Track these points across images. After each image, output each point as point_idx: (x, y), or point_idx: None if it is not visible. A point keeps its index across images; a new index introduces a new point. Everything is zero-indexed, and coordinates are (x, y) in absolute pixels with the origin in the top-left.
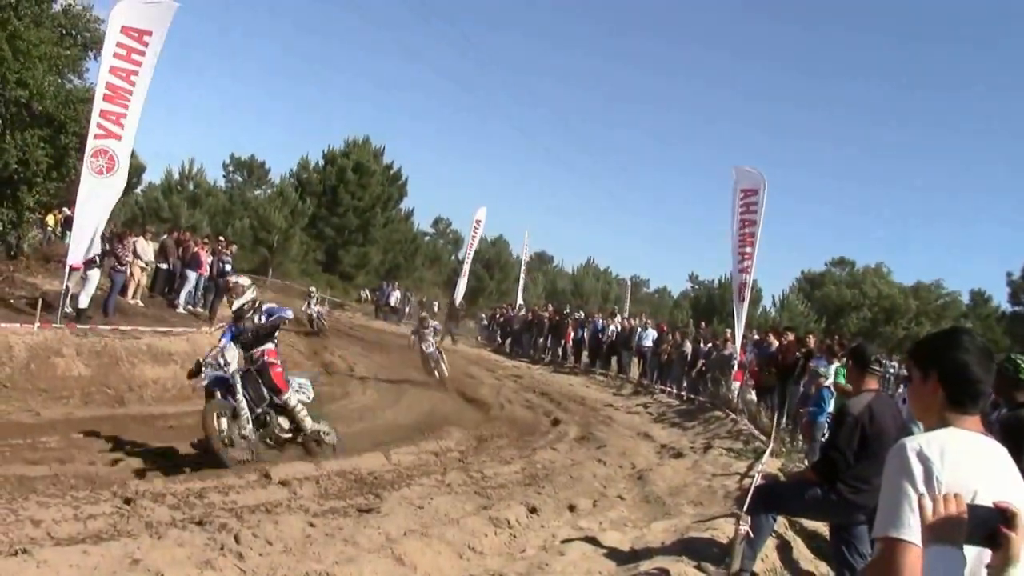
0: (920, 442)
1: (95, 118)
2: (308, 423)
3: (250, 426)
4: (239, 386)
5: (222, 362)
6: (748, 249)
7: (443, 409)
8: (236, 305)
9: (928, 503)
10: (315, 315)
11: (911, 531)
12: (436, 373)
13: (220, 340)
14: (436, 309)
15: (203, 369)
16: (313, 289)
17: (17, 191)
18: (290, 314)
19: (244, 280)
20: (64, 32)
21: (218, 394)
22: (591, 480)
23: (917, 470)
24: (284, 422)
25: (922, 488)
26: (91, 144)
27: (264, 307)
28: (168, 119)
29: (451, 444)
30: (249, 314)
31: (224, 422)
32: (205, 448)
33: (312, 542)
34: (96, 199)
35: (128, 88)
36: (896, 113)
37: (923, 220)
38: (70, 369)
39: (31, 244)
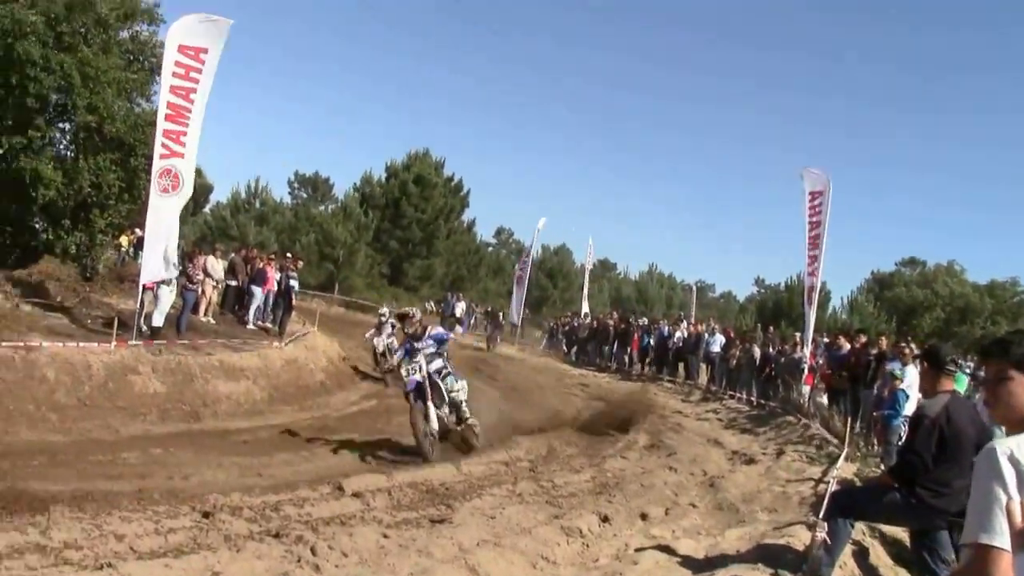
0: (1011, 445)
1: (159, 138)
2: (469, 416)
3: (435, 425)
4: (428, 391)
5: (418, 372)
6: (815, 251)
7: (511, 419)
8: (410, 329)
9: (1019, 508)
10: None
11: (1003, 537)
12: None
13: (399, 354)
14: (502, 318)
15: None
16: (384, 309)
17: (90, 214)
18: (452, 336)
19: (416, 311)
20: (131, 57)
21: (412, 398)
22: (662, 488)
23: (1009, 474)
24: (452, 416)
25: (1014, 493)
26: (157, 164)
27: (434, 331)
28: (234, 139)
29: (520, 454)
30: (422, 335)
31: (424, 423)
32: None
33: (387, 553)
34: (165, 218)
35: (187, 106)
36: (964, 105)
37: (996, 216)
38: (146, 387)
39: (105, 265)
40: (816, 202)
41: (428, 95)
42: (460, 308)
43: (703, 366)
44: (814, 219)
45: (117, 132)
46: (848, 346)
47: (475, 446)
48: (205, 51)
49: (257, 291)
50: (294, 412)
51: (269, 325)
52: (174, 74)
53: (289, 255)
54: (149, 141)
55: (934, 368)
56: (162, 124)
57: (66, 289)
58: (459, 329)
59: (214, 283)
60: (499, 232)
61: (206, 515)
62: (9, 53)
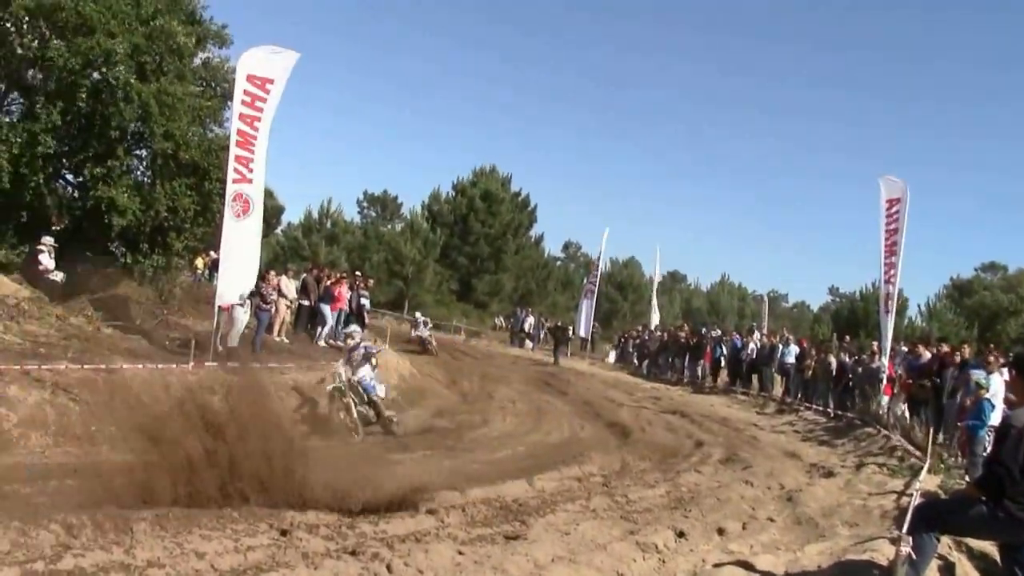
0: None
1: (231, 163)
2: (385, 412)
3: (355, 415)
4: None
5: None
6: (893, 259)
7: (583, 434)
8: (348, 345)
9: None
10: (424, 336)
11: None
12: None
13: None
14: (571, 333)
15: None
16: (419, 314)
17: (167, 237)
18: (375, 349)
19: (355, 329)
20: (205, 84)
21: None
22: (739, 502)
23: None
24: (371, 411)
25: None
26: (230, 189)
27: (363, 345)
28: (305, 160)
29: (593, 469)
30: (354, 351)
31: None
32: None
33: (462, 570)
34: (238, 241)
35: (254, 134)
36: None
37: None
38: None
39: (182, 287)
40: (893, 210)
41: (494, 110)
42: (529, 323)
43: (777, 377)
44: (891, 226)
45: (192, 158)
46: (928, 354)
47: (394, 432)
48: (271, 81)
49: (327, 310)
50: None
51: (341, 344)
52: (243, 103)
53: (359, 274)
54: (222, 165)
55: (1022, 376)
56: (233, 150)
57: (144, 311)
58: (528, 344)
59: (287, 303)
60: (567, 246)
61: (283, 533)
62: (97, 83)
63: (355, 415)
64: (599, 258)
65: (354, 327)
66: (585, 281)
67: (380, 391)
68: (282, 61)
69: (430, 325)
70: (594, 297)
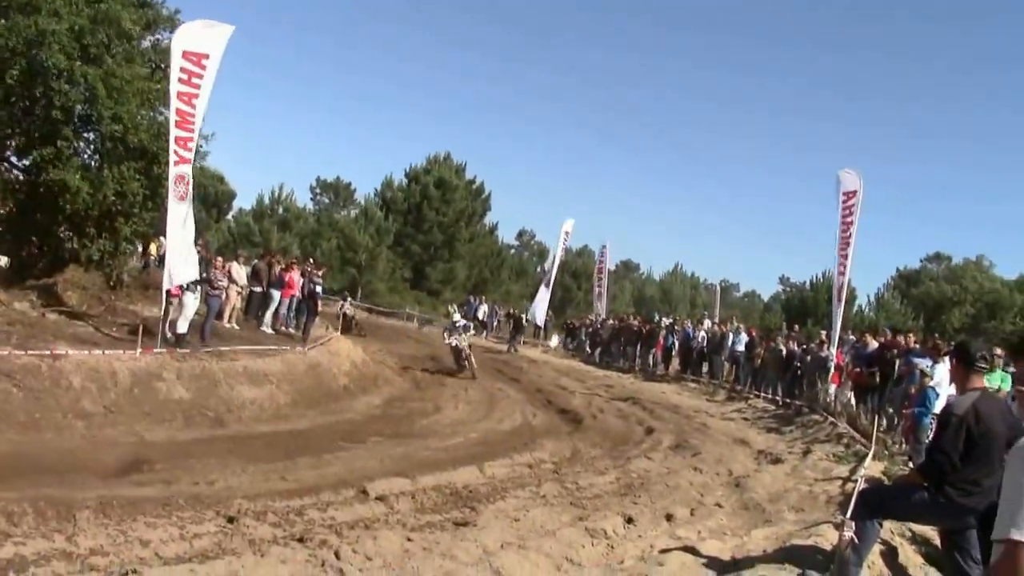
0: None
1: (171, 145)
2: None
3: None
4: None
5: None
6: (846, 250)
7: (535, 421)
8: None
9: None
10: (349, 314)
11: None
12: (466, 365)
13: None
14: (525, 322)
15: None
16: (346, 293)
17: (115, 222)
18: (470, 325)
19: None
20: (154, 66)
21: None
22: (687, 488)
23: None
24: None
25: None
26: (172, 171)
27: (462, 323)
28: (256, 145)
29: (544, 456)
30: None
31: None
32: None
33: (411, 557)
34: (183, 224)
35: (192, 112)
36: (988, 97)
37: None
38: (171, 393)
39: (130, 273)
40: (850, 202)
41: (448, 98)
42: (483, 311)
43: (728, 366)
44: (848, 219)
45: (140, 141)
46: (875, 343)
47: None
48: (207, 57)
49: (277, 295)
50: (317, 416)
51: (292, 331)
52: (180, 80)
53: (312, 261)
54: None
55: (964, 365)
56: (173, 131)
57: (91, 297)
58: (483, 332)
59: (238, 289)
60: (521, 234)
61: (231, 520)
62: (33, 64)
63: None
64: (561, 247)
65: (458, 316)
66: (540, 270)
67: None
68: (216, 34)
69: (350, 300)
70: (550, 286)
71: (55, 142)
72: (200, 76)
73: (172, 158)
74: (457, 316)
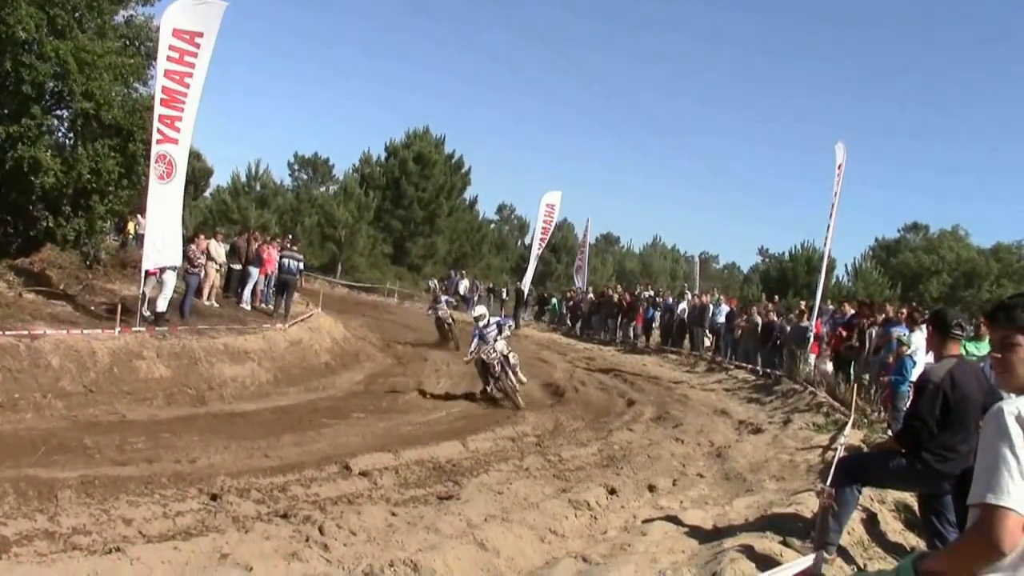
0: (1019, 405)
1: (155, 123)
2: (520, 375)
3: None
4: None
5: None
6: (830, 221)
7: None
8: (481, 322)
9: None
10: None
11: (1011, 497)
12: (450, 338)
13: (475, 343)
14: (505, 296)
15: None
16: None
17: (90, 201)
18: (507, 322)
19: (482, 311)
20: (127, 42)
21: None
22: (669, 459)
23: (1017, 434)
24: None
25: (1022, 453)
26: (154, 150)
27: (493, 321)
28: (233, 121)
29: (527, 429)
30: (482, 324)
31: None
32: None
33: (395, 531)
34: (162, 204)
35: (183, 91)
36: (966, 67)
37: (1001, 179)
38: (151, 371)
39: (107, 252)
40: (838, 175)
41: (425, 71)
42: (464, 286)
43: (708, 337)
44: (835, 190)
45: (115, 118)
46: (853, 313)
47: (519, 405)
48: (200, 35)
49: (255, 272)
50: (299, 393)
51: (270, 307)
52: (169, 58)
53: (291, 237)
54: (147, 126)
55: (940, 333)
56: (158, 109)
57: (68, 277)
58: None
59: (217, 267)
60: (501, 208)
61: (214, 497)
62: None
63: (514, 384)
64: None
65: (481, 308)
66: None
67: (516, 360)
68: (210, 12)
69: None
70: (534, 260)
71: (21, 119)
72: (194, 55)
73: (155, 136)
74: (438, 289)
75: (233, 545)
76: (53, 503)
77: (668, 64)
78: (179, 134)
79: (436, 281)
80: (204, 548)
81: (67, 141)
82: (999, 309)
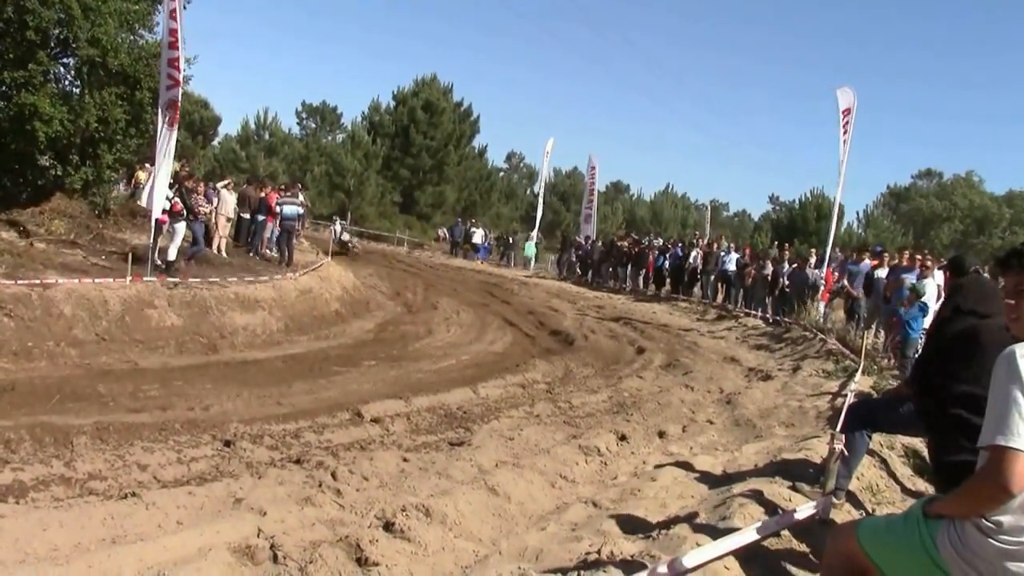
0: None
1: (164, 68)
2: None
3: None
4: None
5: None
6: (841, 167)
7: (527, 342)
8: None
9: None
10: (345, 240)
11: (1021, 439)
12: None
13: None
14: (511, 242)
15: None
16: (337, 219)
17: (98, 149)
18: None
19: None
20: None
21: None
22: (679, 406)
23: None
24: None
25: None
26: (164, 96)
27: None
28: (241, 71)
29: (537, 376)
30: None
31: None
32: None
33: (407, 476)
34: (170, 151)
35: (177, 28)
36: (979, 12)
37: (1014, 126)
38: (163, 320)
39: (116, 201)
40: (846, 120)
41: (434, 18)
42: (479, 235)
43: (718, 285)
44: (845, 136)
45: (121, 65)
46: (865, 260)
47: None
48: None
49: (263, 220)
50: (310, 341)
51: (275, 255)
52: None
53: (288, 183)
54: (153, 73)
55: (956, 279)
56: (166, 53)
57: (79, 226)
58: (479, 256)
59: (228, 216)
60: (510, 156)
61: (227, 443)
62: None
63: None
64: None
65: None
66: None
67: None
68: None
69: (347, 227)
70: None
71: (26, 66)
72: None
73: (165, 82)
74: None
75: (247, 490)
76: (69, 449)
77: (679, 9)
78: (180, 75)
79: (445, 230)
80: (218, 493)
81: (74, 89)
82: (1012, 255)
